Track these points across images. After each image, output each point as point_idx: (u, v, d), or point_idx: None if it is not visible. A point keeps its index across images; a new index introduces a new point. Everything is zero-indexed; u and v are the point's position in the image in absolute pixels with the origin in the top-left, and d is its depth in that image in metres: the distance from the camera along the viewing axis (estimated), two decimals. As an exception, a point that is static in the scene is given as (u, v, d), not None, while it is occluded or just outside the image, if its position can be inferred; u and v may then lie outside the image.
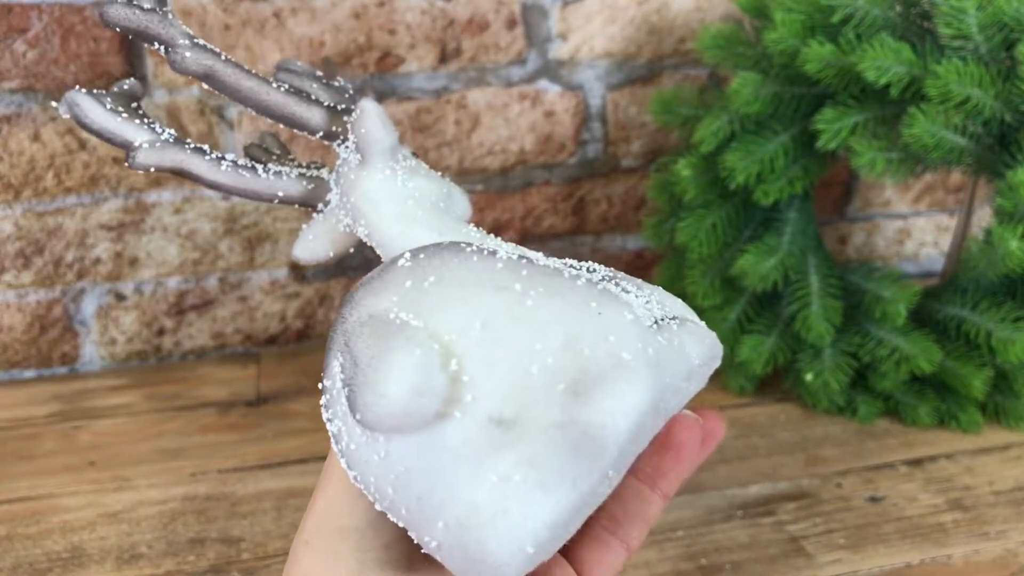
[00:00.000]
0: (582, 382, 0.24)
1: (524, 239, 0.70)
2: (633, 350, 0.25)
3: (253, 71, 0.35)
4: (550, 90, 0.66)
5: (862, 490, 0.49)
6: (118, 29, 0.34)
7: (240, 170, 0.35)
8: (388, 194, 0.34)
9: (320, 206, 0.36)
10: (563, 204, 0.70)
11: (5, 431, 0.57)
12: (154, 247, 0.63)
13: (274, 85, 0.35)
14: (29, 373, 0.65)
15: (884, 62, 0.48)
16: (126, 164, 0.34)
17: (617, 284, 0.28)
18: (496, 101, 0.65)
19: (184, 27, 0.35)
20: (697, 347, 0.28)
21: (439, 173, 0.38)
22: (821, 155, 0.55)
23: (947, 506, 0.48)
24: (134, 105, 0.35)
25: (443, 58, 0.64)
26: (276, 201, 0.36)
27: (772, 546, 0.44)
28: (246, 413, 0.59)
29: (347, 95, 0.40)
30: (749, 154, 0.54)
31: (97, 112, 0.34)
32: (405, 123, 0.64)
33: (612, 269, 0.30)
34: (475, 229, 0.34)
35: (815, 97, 0.54)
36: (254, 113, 0.35)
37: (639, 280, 0.30)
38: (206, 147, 0.35)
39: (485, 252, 0.27)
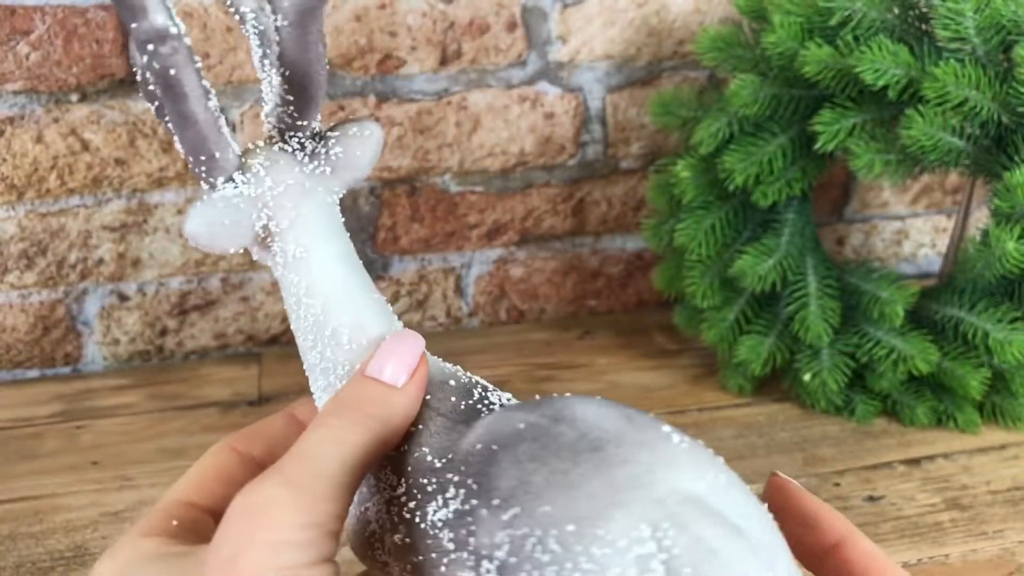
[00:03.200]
0: None
1: (524, 240, 0.70)
2: None
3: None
4: (550, 92, 0.66)
5: (860, 489, 0.49)
6: None
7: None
8: (335, 222, 0.31)
9: (220, 181, 0.29)
10: (563, 205, 0.70)
11: (8, 431, 0.57)
12: (156, 248, 0.64)
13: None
14: (32, 373, 0.65)
15: (882, 64, 0.49)
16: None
17: None
18: (496, 103, 0.66)
19: None
20: None
21: None
22: (819, 157, 0.56)
23: (945, 505, 0.48)
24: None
25: (444, 60, 0.64)
26: (179, 148, 0.28)
27: (770, 545, 0.45)
28: (248, 413, 0.59)
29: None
30: (748, 156, 0.54)
31: None
32: (406, 124, 0.64)
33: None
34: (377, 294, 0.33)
35: (813, 99, 0.55)
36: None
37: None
38: (197, 61, 0.27)
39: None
